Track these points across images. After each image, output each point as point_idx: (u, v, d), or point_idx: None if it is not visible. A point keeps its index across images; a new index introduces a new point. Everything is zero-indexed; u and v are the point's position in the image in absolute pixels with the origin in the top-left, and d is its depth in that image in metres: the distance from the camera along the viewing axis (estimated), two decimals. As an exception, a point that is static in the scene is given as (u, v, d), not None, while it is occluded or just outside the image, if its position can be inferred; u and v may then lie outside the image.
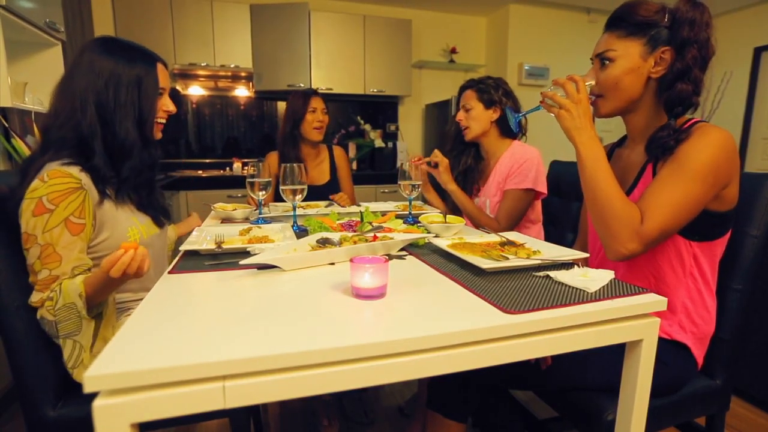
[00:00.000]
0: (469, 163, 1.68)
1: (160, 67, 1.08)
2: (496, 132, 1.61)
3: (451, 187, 1.55)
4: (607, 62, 0.95)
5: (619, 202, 0.86)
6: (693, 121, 0.94)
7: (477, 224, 1.55)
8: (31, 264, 0.92)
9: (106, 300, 0.97)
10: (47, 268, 0.91)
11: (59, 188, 0.91)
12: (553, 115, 0.94)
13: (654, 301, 0.71)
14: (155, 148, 1.13)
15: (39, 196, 0.89)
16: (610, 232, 0.87)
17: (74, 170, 0.94)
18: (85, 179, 0.95)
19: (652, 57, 0.92)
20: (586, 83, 0.94)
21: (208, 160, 3.72)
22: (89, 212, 0.96)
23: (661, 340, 0.92)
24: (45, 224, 0.90)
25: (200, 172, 3.50)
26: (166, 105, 1.12)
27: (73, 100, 0.98)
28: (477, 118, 1.58)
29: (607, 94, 0.97)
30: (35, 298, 0.91)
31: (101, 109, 0.99)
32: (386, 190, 3.66)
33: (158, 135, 1.14)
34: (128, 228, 1.05)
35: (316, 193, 1.85)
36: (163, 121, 1.14)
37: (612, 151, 1.15)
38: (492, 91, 1.57)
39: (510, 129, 1.62)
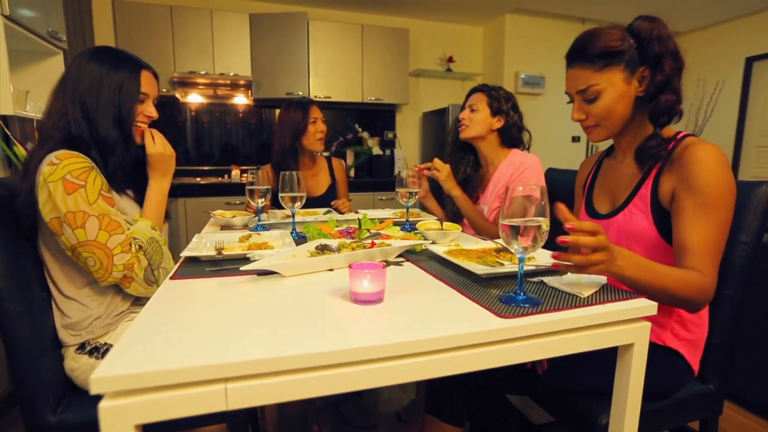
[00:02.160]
0: (468, 172, 1.69)
1: (145, 73, 1.12)
2: (496, 140, 1.63)
3: (455, 192, 1.57)
4: (595, 97, 0.96)
5: (681, 282, 0.83)
6: (682, 134, 0.96)
7: (477, 230, 1.57)
8: (93, 239, 0.94)
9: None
10: (118, 232, 0.97)
11: (77, 166, 0.95)
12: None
13: (644, 305, 0.73)
14: (138, 149, 1.16)
15: (61, 177, 0.92)
16: (688, 304, 0.86)
17: (79, 153, 0.98)
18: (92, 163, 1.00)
19: (635, 78, 0.95)
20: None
21: (206, 168, 3.74)
22: (108, 190, 1.01)
23: (654, 346, 0.93)
24: (87, 197, 0.94)
25: (198, 179, 3.52)
26: (148, 110, 1.15)
27: (63, 101, 1.03)
28: (480, 121, 1.59)
29: (603, 123, 0.99)
30: (124, 259, 0.97)
31: (84, 108, 1.04)
32: (384, 198, 3.68)
33: (137, 138, 1.16)
34: (134, 214, 1.11)
35: (312, 205, 1.85)
36: (143, 125, 1.16)
37: (600, 162, 1.17)
38: (503, 101, 1.59)
39: (511, 140, 1.64)
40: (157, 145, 1.16)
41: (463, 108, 1.67)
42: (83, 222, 0.93)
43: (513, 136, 1.63)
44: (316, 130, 1.89)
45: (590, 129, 1.02)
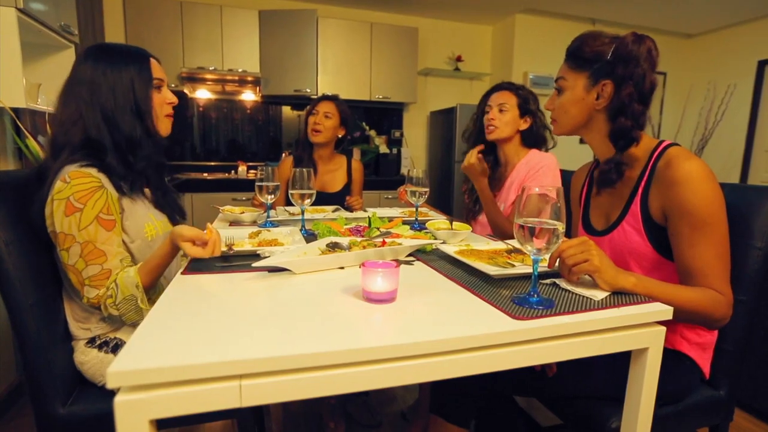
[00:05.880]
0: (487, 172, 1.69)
1: (153, 61, 1.12)
2: (518, 140, 1.62)
3: (479, 185, 1.55)
4: (561, 90, 1.03)
5: (696, 300, 0.83)
6: (665, 143, 0.95)
7: (494, 225, 1.55)
8: (72, 264, 0.95)
9: (156, 287, 1.04)
10: (96, 263, 0.95)
11: (83, 187, 0.95)
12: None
13: (659, 310, 0.73)
14: (161, 138, 1.15)
15: (66, 197, 0.93)
16: (709, 320, 0.87)
17: (92, 171, 0.97)
18: (103, 179, 0.99)
19: (594, 90, 0.97)
20: None
21: (213, 163, 3.74)
22: (115, 209, 1.00)
23: (664, 350, 0.93)
24: (79, 223, 0.94)
25: (205, 174, 3.53)
26: (169, 97, 1.15)
27: (76, 107, 1.02)
28: (509, 122, 1.57)
29: (559, 118, 1.05)
30: (91, 294, 0.96)
31: (104, 109, 1.03)
32: (390, 196, 3.67)
33: (168, 129, 1.16)
34: (144, 224, 1.08)
35: (327, 200, 1.87)
36: (170, 112, 1.15)
37: (592, 174, 1.16)
38: (531, 101, 1.58)
39: (532, 140, 1.62)
40: (202, 251, 0.94)
41: (484, 106, 1.64)
42: (69, 246, 0.94)
43: (538, 136, 1.61)
44: (313, 121, 1.96)
45: (552, 120, 1.08)
